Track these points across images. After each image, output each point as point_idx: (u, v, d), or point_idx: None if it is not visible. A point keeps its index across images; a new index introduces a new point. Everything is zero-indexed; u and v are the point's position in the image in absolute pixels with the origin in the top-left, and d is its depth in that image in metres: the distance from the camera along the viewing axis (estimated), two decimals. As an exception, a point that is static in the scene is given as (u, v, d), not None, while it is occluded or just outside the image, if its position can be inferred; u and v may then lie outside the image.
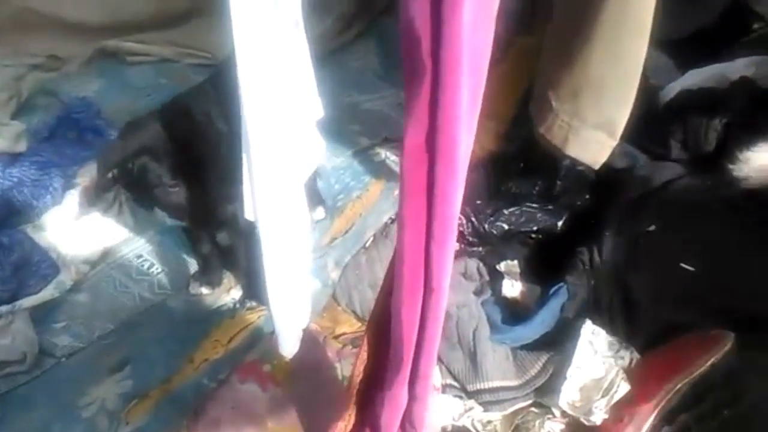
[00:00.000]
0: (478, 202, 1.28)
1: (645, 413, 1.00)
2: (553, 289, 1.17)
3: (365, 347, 0.83)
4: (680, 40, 1.69)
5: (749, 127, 1.22)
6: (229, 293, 1.30)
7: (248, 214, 0.75)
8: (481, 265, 1.30)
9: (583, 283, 1.17)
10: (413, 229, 0.63)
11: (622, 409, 1.02)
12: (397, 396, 0.73)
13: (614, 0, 0.76)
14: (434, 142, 0.58)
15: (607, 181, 1.31)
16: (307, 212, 0.79)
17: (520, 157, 1.39)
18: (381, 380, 0.74)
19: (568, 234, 1.29)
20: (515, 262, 1.31)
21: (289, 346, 0.89)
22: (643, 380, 1.05)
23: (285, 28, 0.61)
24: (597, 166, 0.95)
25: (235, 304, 1.28)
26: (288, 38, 0.63)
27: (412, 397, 0.72)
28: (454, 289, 1.20)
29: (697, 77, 1.38)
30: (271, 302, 0.82)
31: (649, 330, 1.12)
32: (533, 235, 1.31)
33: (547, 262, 1.28)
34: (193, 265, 1.33)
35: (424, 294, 0.69)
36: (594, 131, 0.88)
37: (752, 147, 1.17)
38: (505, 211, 1.28)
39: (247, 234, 0.98)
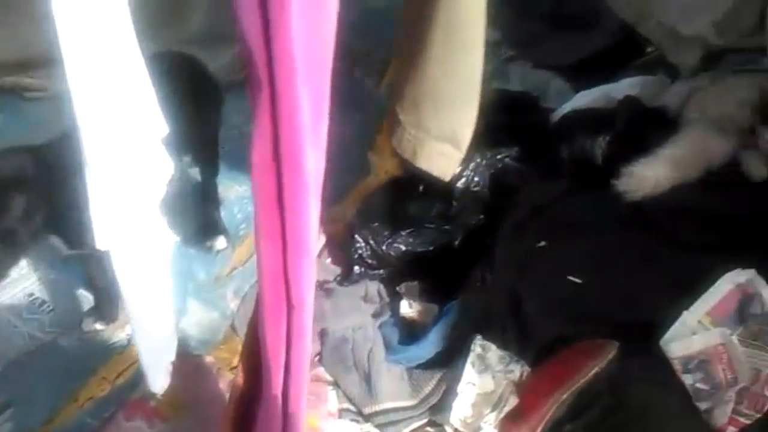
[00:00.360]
0: (376, 224, 1.29)
1: (532, 425, 1.01)
2: (446, 308, 1.17)
3: (240, 372, 0.82)
4: (576, 64, 1.76)
5: (632, 143, 1.27)
6: (123, 329, 1.26)
7: (99, 243, 0.73)
8: (381, 287, 1.30)
9: (476, 300, 1.18)
10: (269, 244, 0.62)
11: (510, 423, 1.02)
12: (272, 417, 0.72)
13: (444, 16, 0.78)
14: (279, 153, 0.58)
15: (500, 199, 1.33)
16: (167, 235, 0.78)
17: (419, 180, 1.40)
18: (256, 402, 0.73)
19: (464, 253, 1.30)
20: (415, 282, 1.32)
21: (157, 381, 0.86)
22: (531, 393, 1.05)
23: (116, 45, 0.61)
24: (447, 178, 0.97)
25: (129, 340, 1.24)
26: (119, 55, 0.63)
27: (286, 416, 0.71)
28: (350, 312, 1.20)
29: (586, 98, 1.43)
30: (133, 335, 0.79)
31: (539, 343, 1.13)
32: (432, 256, 1.32)
33: (444, 282, 1.29)
34: (88, 301, 1.29)
35: (287, 311, 0.68)
36: (438, 143, 0.90)
37: (633, 162, 1.21)
38: (403, 233, 1.28)
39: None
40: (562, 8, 1.82)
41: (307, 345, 0.70)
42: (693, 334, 1.05)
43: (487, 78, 1.76)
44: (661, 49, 1.35)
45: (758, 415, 0.97)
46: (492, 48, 1.85)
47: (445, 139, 0.90)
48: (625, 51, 1.71)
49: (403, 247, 1.28)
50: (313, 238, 0.62)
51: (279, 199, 0.61)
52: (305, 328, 0.69)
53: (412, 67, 0.83)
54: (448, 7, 0.77)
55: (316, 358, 1.18)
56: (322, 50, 0.57)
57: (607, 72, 1.65)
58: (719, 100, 1.20)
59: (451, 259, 1.31)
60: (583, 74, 1.69)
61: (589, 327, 1.13)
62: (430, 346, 1.14)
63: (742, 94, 1.19)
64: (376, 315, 1.24)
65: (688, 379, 1.01)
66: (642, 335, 1.10)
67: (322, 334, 1.19)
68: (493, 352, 1.10)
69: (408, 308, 1.24)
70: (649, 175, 1.18)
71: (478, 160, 1.35)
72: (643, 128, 1.29)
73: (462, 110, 0.89)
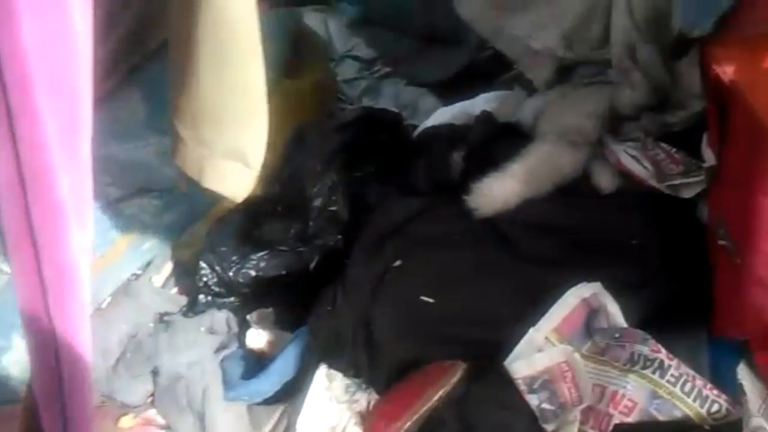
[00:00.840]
0: (224, 249, 1.20)
1: (374, 459, 0.94)
2: (294, 335, 1.10)
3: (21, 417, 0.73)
4: (446, 81, 1.74)
5: (485, 158, 1.24)
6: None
7: None
8: (230, 316, 1.21)
9: (325, 325, 1.10)
10: (26, 281, 0.55)
11: (351, 457, 0.95)
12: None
13: (211, 31, 0.72)
14: (23, 176, 0.51)
15: (358, 219, 1.28)
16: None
17: (276, 200, 1.33)
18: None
19: (320, 276, 1.23)
20: (269, 309, 1.24)
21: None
22: (374, 422, 0.99)
23: None
24: (239, 199, 0.90)
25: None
26: None
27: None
28: (187, 346, 1.11)
29: (446, 115, 1.40)
30: None
31: (390, 369, 1.07)
32: (287, 280, 1.24)
33: (300, 307, 1.22)
34: None
35: (56, 352, 0.61)
36: (226, 161, 0.83)
37: (484, 177, 1.18)
38: (253, 257, 1.20)
39: None
40: (434, 25, 1.80)
41: (86, 391, 0.62)
42: (540, 351, 1.01)
43: (358, 95, 1.75)
44: (516, 64, 1.33)
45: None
46: (366, 65, 1.83)
47: (232, 157, 0.84)
48: (495, 66, 1.70)
49: (253, 273, 1.20)
50: (78, 269, 0.55)
51: (29, 229, 0.54)
52: (80, 370, 0.61)
53: (186, 80, 0.77)
54: (215, 21, 0.71)
55: (149, 400, 1.07)
56: (70, 59, 0.51)
57: (477, 88, 1.64)
58: (569, 113, 1.19)
59: (307, 283, 1.23)
60: (453, 91, 1.67)
61: (441, 348, 1.08)
62: (274, 378, 1.06)
63: (591, 106, 1.18)
64: (222, 347, 1.14)
65: (533, 400, 0.97)
66: (493, 354, 1.05)
67: (155, 373, 1.09)
68: (339, 382, 1.04)
69: (255, 338, 1.16)
70: (498, 190, 1.15)
71: (335, 177, 1.29)
72: (496, 144, 1.26)
73: (247, 126, 0.83)
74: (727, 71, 0.86)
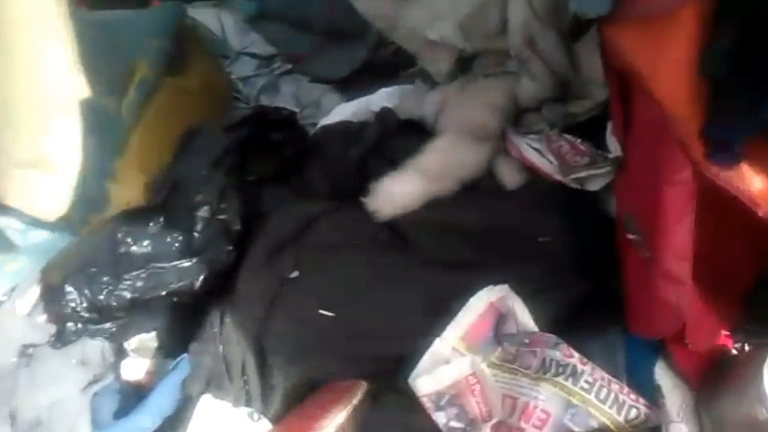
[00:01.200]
0: (93, 269, 1.05)
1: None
2: (173, 364, 0.96)
3: None
4: (351, 77, 1.65)
5: (384, 157, 1.15)
6: None
7: None
8: (106, 345, 1.06)
9: (210, 350, 0.98)
10: None
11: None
12: None
13: None
14: None
15: (252, 228, 1.16)
16: None
17: (159, 211, 1.18)
18: None
19: (209, 294, 1.10)
20: (151, 335, 1.10)
21: None
22: (266, 457, 0.87)
23: None
24: (51, 216, 0.77)
25: None
26: None
27: None
28: (50, 383, 0.96)
29: (345, 111, 1.30)
30: None
31: (285, 395, 0.96)
32: (171, 301, 1.10)
33: (186, 331, 1.08)
34: None
35: None
36: (25, 170, 0.70)
37: (382, 178, 1.08)
38: (126, 277, 1.06)
39: None
40: (336, 19, 1.70)
41: None
42: (446, 364, 0.93)
43: (256, 94, 1.63)
44: (415, 56, 1.25)
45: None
46: (264, 62, 1.71)
47: (33, 165, 0.71)
48: (401, 60, 1.62)
49: (129, 294, 1.06)
50: None
51: None
52: None
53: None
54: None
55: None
56: None
57: (382, 83, 1.55)
58: (469, 106, 1.12)
59: (193, 303, 1.10)
60: (357, 87, 1.58)
61: (343, 367, 0.98)
62: (151, 413, 0.94)
63: (491, 99, 1.11)
64: (95, 381, 1.00)
65: (441, 418, 0.89)
66: (399, 370, 0.96)
67: (11, 417, 0.93)
68: (225, 412, 0.91)
69: (131, 369, 1.02)
70: (398, 190, 1.06)
71: (224, 182, 1.16)
72: (396, 141, 1.17)
73: (46, 129, 0.70)
74: (626, 56, 0.80)
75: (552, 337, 0.93)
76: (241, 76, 1.70)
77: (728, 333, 1.05)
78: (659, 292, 0.88)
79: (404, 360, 0.97)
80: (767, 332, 1.05)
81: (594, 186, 1.03)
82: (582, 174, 1.03)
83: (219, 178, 1.14)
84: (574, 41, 1.00)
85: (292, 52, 1.75)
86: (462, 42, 1.13)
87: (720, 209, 0.90)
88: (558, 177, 1.05)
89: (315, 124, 1.43)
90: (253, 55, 1.76)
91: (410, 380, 0.90)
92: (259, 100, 1.65)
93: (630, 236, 0.95)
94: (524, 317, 0.96)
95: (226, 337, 1.00)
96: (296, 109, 1.60)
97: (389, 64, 1.63)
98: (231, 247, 1.14)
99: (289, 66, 1.75)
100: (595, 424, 0.85)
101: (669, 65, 0.77)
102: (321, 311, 1.02)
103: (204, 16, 1.78)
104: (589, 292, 1.03)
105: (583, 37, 1.01)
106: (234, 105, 1.66)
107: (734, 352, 1.05)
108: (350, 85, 1.63)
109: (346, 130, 1.19)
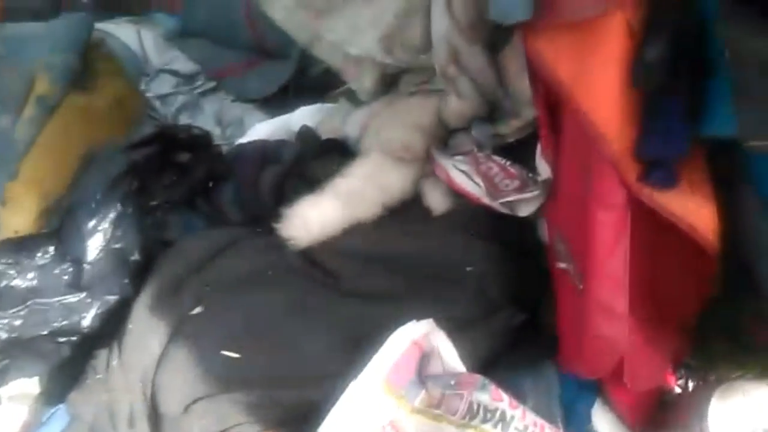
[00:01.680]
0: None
1: None
2: (48, 415, 0.83)
3: None
4: (276, 96, 1.55)
5: (302, 179, 1.04)
6: None
7: None
8: (-25, 393, 0.91)
9: (93, 399, 0.85)
10: None
11: None
12: None
13: None
14: None
15: (154, 260, 1.03)
16: None
17: (53, 239, 1.05)
18: None
19: (101, 334, 0.97)
20: (33, 379, 0.95)
21: None
22: None
23: None
24: None
25: None
26: None
27: None
28: None
29: (263, 130, 1.20)
30: None
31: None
32: (55, 340, 0.96)
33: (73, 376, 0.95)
34: None
35: None
36: None
37: (298, 202, 0.98)
38: (3, 314, 0.92)
39: None
40: (262, 36, 1.61)
41: None
42: (364, 410, 0.82)
43: (174, 113, 1.51)
44: (338, 73, 1.16)
45: None
46: (185, 80, 1.60)
47: None
48: (331, 78, 1.53)
49: (4, 334, 0.92)
50: None
51: None
52: None
53: None
54: None
55: None
56: None
57: (309, 103, 1.46)
58: (392, 126, 1.03)
59: (81, 343, 0.97)
60: (283, 106, 1.48)
61: (247, 416, 0.86)
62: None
63: (415, 118, 1.03)
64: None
65: (355, 475, 0.77)
66: (311, 418, 0.85)
67: None
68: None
69: (11, 418, 0.88)
70: (315, 216, 0.96)
71: (120, 208, 1.04)
72: (317, 162, 1.07)
73: None
74: (549, 66, 0.73)
75: (480, 378, 0.84)
76: (159, 95, 1.59)
77: (671, 370, 0.97)
78: (593, 326, 0.80)
79: (317, 406, 0.85)
80: (712, 368, 0.99)
81: (524, 211, 0.95)
82: (511, 198, 0.95)
83: (114, 202, 1.02)
84: (497, 53, 0.92)
85: (215, 69, 1.65)
86: (383, 57, 1.05)
87: (658, 235, 0.83)
88: (486, 201, 0.97)
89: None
90: (175, 73, 1.65)
91: (320, 431, 0.79)
92: (178, 120, 1.53)
93: (561, 265, 0.87)
94: (450, 356, 0.87)
95: (112, 384, 0.86)
96: (217, 129, 1.49)
97: (317, 83, 1.54)
98: (127, 280, 1.01)
99: (213, 84, 1.65)
100: (525, 477, 0.75)
101: (595, 76, 0.70)
102: (224, 352, 0.90)
103: (123, 32, 1.66)
104: (521, 326, 0.94)
105: (510, 52, 0.93)
106: (149, 125, 1.53)
107: (677, 390, 0.97)
108: (276, 105, 1.53)
109: (261, 149, 1.08)
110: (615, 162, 0.73)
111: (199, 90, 1.65)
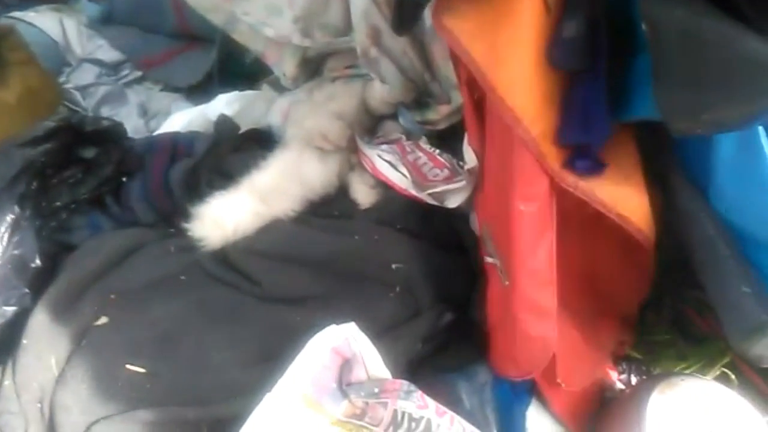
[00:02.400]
0: None
1: None
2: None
3: None
4: (203, 85, 1.47)
5: (217, 174, 0.96)
6: None
7: None
8: None
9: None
10: None
11: None
12: None
13: None
14: None
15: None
16: None
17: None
18: None
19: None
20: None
21: None
22: None
23: None
24: None
25: None
26: None
27: None
28: None
29: (179, 121, 1.11)
30: None
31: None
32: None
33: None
34: None
35: None
36: None
37: (210, 197, 0.90)
38: None
39: None
40: (189, 22, 1.52)
41: None
42: (280, 424, 0.75)
43: (96, 104, 1.41)
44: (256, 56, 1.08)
45: None
46: (109, 69, 1.50)
47: None
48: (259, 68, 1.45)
49: None
50: None
51: None
52: None
53: None
54: None
55: None
56: None
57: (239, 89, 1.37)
58: (313, 114, 0.95)
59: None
60: (211, 94, 1.39)
61: (154, 435, 0.78)
62: None
63: (337, 105, 0.96)
64: None
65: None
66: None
67: None
68: None
69: None
70: (228, 214, 0.88)
71: (18, 211, 0.94)
72: (235, 155, 0.99)
73: None
74: (462, 46, 0.66)
75: (404, 384, 0.77)
76: (80, 86, 1.48)
77: (612, 365, 0.92)
78: (521, 325, 0.74)
79: (231, 423, 0.78)
80: (656, 361, 0.94)
81: (453, 202, 0.89)
82: (438, 189, 0.88)
83: (11, 205, 0.93)
84: (401, 31, 0.85)
85: (141, 58, 1.55)
86: (301, 40, 0.97)
87: (590, 225, 0.78)
88: (413, 192, 0.90)
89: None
90: (98, 62, 1.54)
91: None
92: (99, 112, 1.44)
93: (489, 260, 0.80)
94: (374, 361, 0.80)
95: (4, 406, 0.78)
96: (140, 121, 1.40)
97: (247, 71, 1.46)
98: (26, 290, 0.92)
99: (139, 73, 1.55)
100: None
101: (510, 56, 0.64)
102: (129, 366, 0.82)
103: (44, 21, 1.56)
104: (453, 325, 0.87)
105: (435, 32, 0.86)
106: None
107: (619, 386, 0.92)
108: (203, 94, 1.44)
109: (172, 142, 1.00)
110: (534, 149, 0.67)
111: (125, 80, 1.55)
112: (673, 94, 0.56)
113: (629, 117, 0.67)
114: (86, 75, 1.53)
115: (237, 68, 1.48)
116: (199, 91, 1.48)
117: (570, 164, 0.69)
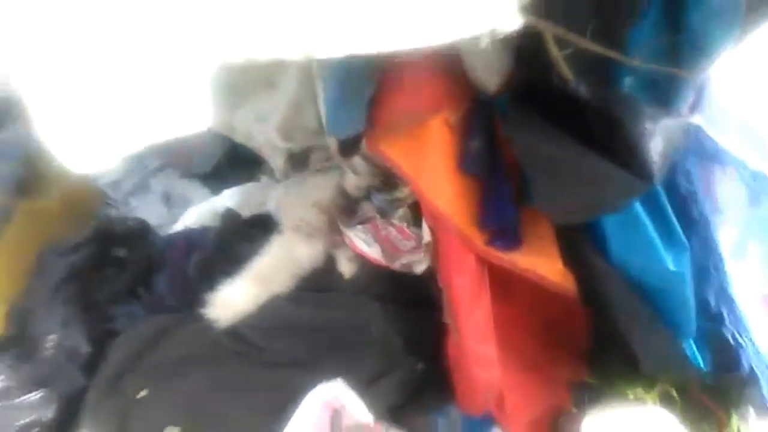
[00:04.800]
0: None
1: None
2: None
3: None
4: (217, 172, 1.68)
5: (231, 261, 1.18)
6: None
7: None
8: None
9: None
10: None
11: None
12: None
13: None
14: None
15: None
16: None
17: (13, 342, 1.18)
18: None
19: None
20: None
21: None
22: None
23: None
24: None
25: None
26: None
27: None
28: None
29: (191, 217, 1.33)
30: None
31: None
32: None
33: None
34: None
35: None
36: None
37: (221, 284, 1.11)
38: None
39: None
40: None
41: None
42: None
43: (124, 196, 1.64)
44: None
45: None
46: (135, 160, 1.73)
47: None
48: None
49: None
50: None
51: None
52: None
53: None
54: None
55: None
56: None
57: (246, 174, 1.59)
58: (298, 203, 1.16)
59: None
60: (224, 181, 1.61)
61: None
62: None
63: (316, 194, 1.16)
64: None
65: None
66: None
67: None
68: None
69: None
70: (235, 296, 1.09)
71: (67, 307, 1.17)
72: (241, 241, 1.21)
73: None
74: (394, 162, 0.86)
75: (383, 426, 0.96)
76: (110, 181, 1.71)
77: (566, 393, 1.09)
78: (472, 372, 0.92)
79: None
80: (610, 386, 1.10)
81: (419, 269, 1.08)
82: (405, 260, 1.07)
83: (60, 307, 1.15)
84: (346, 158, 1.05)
85: (165, 146, 1.76)
86: (284, 142, 1.18)
87: (530, 284, 0.96)
88: (387, 264, 1.10)
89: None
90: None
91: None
92: (129, 204, 1.66)
93: (446, 320, 0.99)
94: (359, 410, 0.99)
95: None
96: (164, 209, 1.62)
97: (253, 156, 1.66)
98: (79, 372, 1.14)
99: (160, 162, 1.76)
100: None
101: (430, 168, 0.83)
102: (168, 428, 1.02)
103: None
104: (426, 372, 1.06)
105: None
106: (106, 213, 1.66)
107: (574, 410, 1.08)
108: (216, 179, 1.65)
109: (186, 238, 1.21)
110: (459, 234, 0.86)
111: (150, 168, 1.76)
112: (543, 198, 0.75)
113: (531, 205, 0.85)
114: (115, 169, 1.75)
115: (245, 154, 1.69)
116: (214, 177, 1.69)
117: (492, 243, 0.88)
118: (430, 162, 0.84)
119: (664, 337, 0.87)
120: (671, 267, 0.82)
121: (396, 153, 0.86)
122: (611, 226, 0.84)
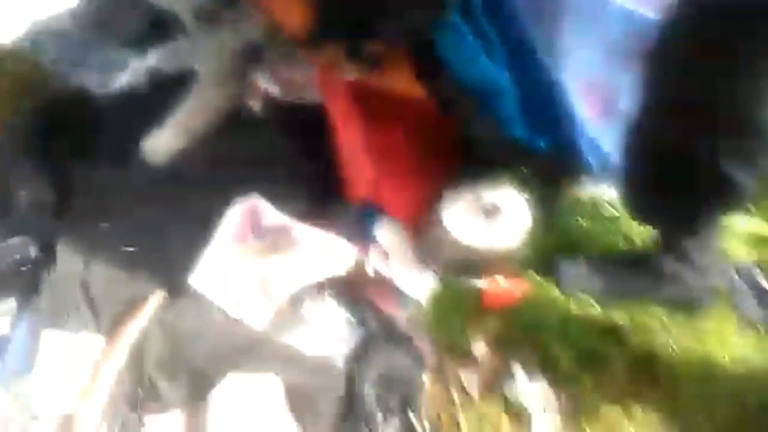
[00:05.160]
0: None
1: None
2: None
3: None
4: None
5: (152, 114, 1.40)
6: None
7: None
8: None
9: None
10: None
11: None
12: None
13: None
14: None
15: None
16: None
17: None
18: None
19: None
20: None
21: None
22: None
23: None
24: None
25: None
26: None
27: None
28: None
29: (126, 76, 1.53)
30: None
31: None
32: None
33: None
34: None
35: None
36: None
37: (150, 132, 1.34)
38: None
39: None
40: None
41: None
42: (220, 262, 1.23)
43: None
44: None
45: None
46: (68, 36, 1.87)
47: None
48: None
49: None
50: None
51: None
52: None
53: None
54: None
55: None
56: None
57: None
58: (213, 54, 1.37)
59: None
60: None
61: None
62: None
63: (223, 44, 1.36)
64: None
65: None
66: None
67: None
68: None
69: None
70: (163, 140, 1.33)
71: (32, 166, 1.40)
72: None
73: None
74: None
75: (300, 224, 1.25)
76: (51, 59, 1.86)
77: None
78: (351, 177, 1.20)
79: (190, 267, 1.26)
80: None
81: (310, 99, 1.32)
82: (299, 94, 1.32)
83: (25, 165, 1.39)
84: None
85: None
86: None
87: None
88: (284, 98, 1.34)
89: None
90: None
91: (191, 281, 1.21)
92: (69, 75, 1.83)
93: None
94: (273, 212, 1.27)
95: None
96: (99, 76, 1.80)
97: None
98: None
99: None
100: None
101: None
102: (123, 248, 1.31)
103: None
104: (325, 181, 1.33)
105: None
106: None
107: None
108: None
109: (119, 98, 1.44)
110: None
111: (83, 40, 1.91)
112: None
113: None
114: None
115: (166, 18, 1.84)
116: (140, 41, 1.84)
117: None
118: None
119: (492, 126, 1.13)
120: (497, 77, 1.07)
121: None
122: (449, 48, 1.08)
